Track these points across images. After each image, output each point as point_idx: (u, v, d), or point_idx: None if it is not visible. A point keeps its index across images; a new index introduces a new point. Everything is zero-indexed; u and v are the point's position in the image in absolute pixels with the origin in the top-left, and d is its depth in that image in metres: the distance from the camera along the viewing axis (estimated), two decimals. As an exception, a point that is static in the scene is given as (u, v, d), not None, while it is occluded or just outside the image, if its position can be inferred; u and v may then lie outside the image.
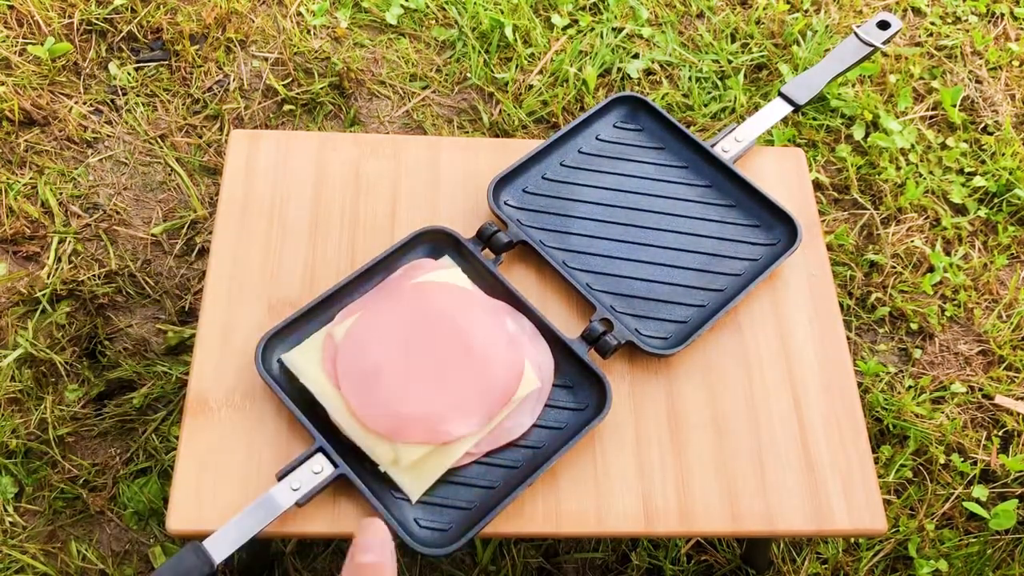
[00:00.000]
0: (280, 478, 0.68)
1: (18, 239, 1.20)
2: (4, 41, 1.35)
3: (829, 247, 1.28)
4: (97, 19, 1.39)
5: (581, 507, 0.72)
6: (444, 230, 0.82)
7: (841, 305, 1.04)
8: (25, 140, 1.28)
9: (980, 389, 1.20)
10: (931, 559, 1.07)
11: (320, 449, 0.70)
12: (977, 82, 1.48)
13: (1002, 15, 1.58)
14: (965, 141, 1.42)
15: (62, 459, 1.05)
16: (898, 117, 1.42)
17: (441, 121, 1.37)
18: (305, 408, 0.72)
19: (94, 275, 1.18)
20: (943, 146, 1.41)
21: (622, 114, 0.93)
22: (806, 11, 1.53)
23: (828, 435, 0.78)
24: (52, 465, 1.05)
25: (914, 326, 1.25)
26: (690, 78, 1.42)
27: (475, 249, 0.81)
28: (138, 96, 1.34)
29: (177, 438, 0.80)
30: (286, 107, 1.35)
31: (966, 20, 1.56)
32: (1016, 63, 1.52)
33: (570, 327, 0.80)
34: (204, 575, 0.63)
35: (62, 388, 1.10)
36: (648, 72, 1.44)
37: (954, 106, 1.43)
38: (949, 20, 1.57)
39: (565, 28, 1.46)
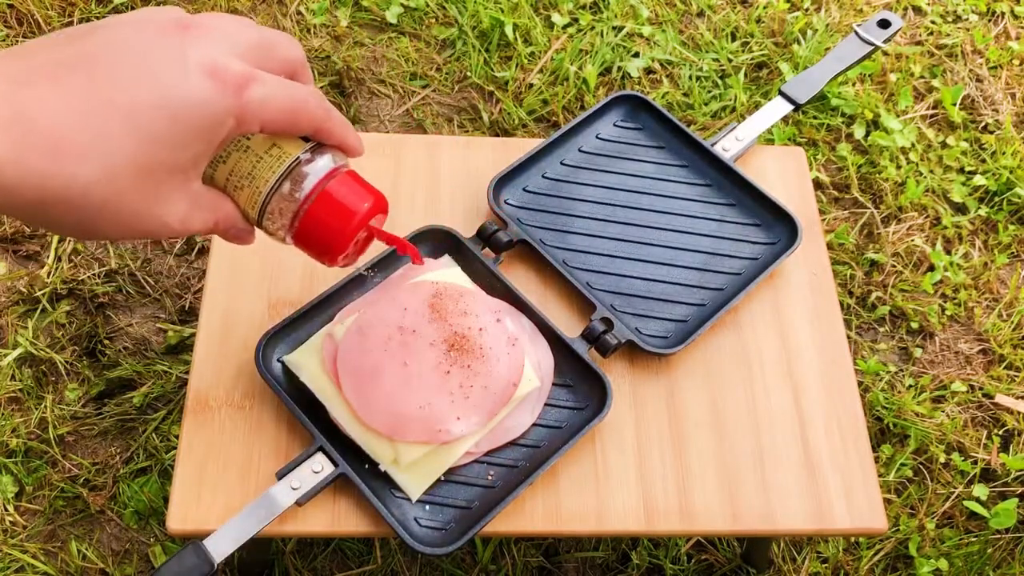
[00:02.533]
0: (280, 477, 0.68)
1: (18, 238, 1.20)
2: (4, 40, 1.35)
3: (829, 246, 1.28)
4: (97, 18, 1.39)
5: (581, 506, 0.72)
6: (444, 229, 0.82)
7: (841, 304, 1.04)
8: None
9: (980, 388, 1.20)
10: (931, 558, 1.07)
11: (320, 448, 0.70)
12: (978, 81, 1.48)
13: (1002, 14, 1.58)
14: (965, 140, 1.42)
15: (62, 458, 1.05)
16: (898, 116, 1.42)
17: (441, 120, 1.37)
18: (305, 407, 0.72)
19: (94, 274, 1.18)
20: (943, 145, 1.41)
21: (622, 113, 0.93)
22: (806, 10, 1.53)
23: (828, 434, 0.78)
24: (52, 464, 1.05)
25: (914, 325, 1.25)
26: (690, 77, 1.42)
27: (475, 248, 0.81)
28: (138, 95, 1.34)
29: (177, 437, 0.80)
30: (286, 106, 1.35)
31: (967, 19, 1.56)
32: (1016, 62, 1.52)
33: (570, 326, 0.80)
34: (204, 574, 0.63)
35: (62, 387, 1.10)
36: (648, 71, 1.44)
37: (954, 105, 1.43)
38: (950, 19, 1.57)
39: (565, 27, 1.46)
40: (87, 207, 0.38)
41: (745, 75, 1.43)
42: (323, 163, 0.47)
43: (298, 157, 0.46)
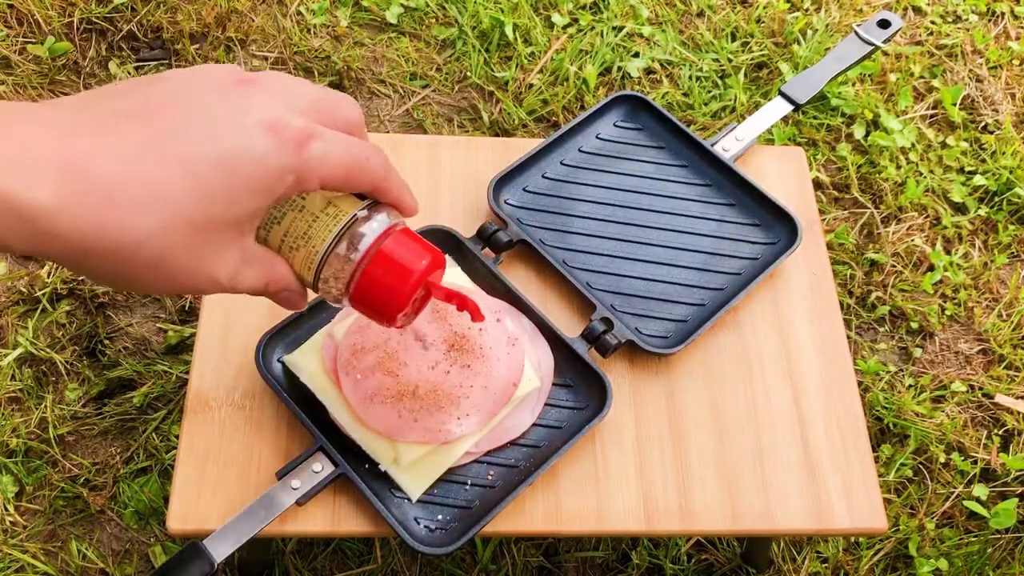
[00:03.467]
0: (280, 477, 0.68)
1: (18, 238, 1.20)
2: (4, 40, 1.35)
3: (829, 246, 1.28)
4: (97, 18, 1.39)
5: (581, 506, 0.72)
6: (444, 229, 0.82)
7: (841, 304, 1.04)
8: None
9: (980, 388, 1.20)
10: (931, 558, 1.07)
11: (320, 448, 0.70)
12: (977, 81, 1.48)
13: (1002, 14, 1.58)
14: (965, 140, 1.42)
15: (62, 458, 1.05)
16: (898, 116, 1.42)
17: (441, 120, 1.37)
18: (305, 407, 0.72)
19: (94, 274, 1.18)
20: (943, 145, 1.41)
21: (622, 113, 0.93)
22: (806, 10, 1.53)
23: (828, 434, 0.78)
24: (52, 464, 1.05)
25: (914, 325, 1.25)
26: (690, 77, 1.42)
27: (475, 248, 0.81)
28: (138, 95, 1.34)
29: (177, 437, 0.80)
30: (286, 106, 1.34)
31: (966, 19, 1.56)
32: (1016, 62, 1.52)
33: (570, 326, 0.80)
34: (204, 574, 0.63)
35: (62, 387, 1.10)
36: (648, 71, 1.44)
37: (954, 105, 1.43)
38: (949, 19, 1.57)
39: (565, 27, 1.46)
40: (136, 260, 0.37)
41: (745, 75, 1.43)
42: (379, 221, 0.46)
43: (354, 215, 0.45)
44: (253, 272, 0.43)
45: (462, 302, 0.54)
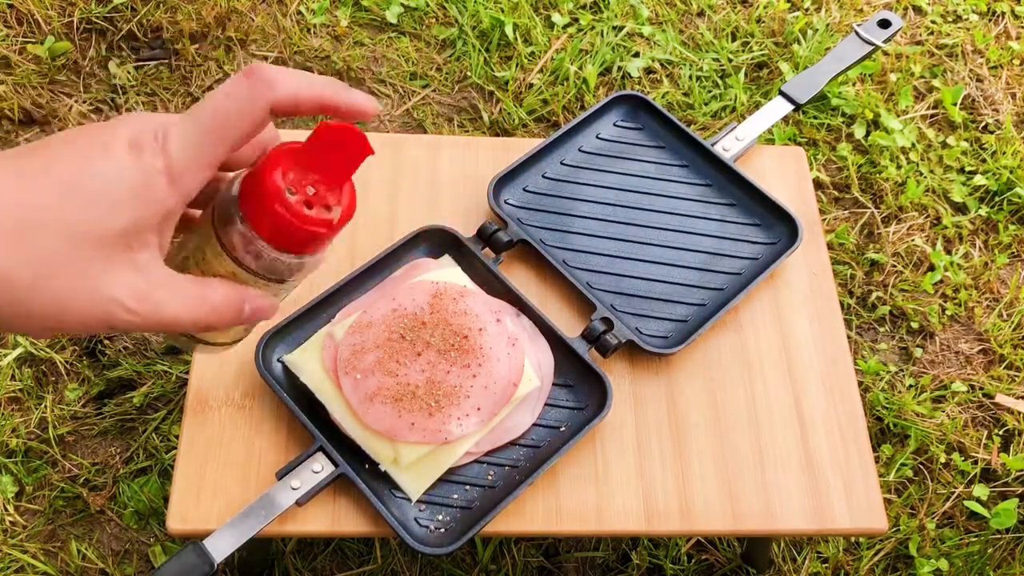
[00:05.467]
0: (280, 477, 0.68)
1: (18, 238, 1.20)
2: (4, 40, 1.35)
3: (830, 246, 1.28)
4: (97, 18, 1.39)
5: (581, 506, 0.72)
6: (444, 229, 0.82)
7: (841, 304, 1.04)
8: (25, 139, 1.28)
9: (981, 388, 1.20)
10: (932, 558, 1.07)
11: (320, 448, 0.70)
12: (978, 81, 1.48)
13: (1003, 14, 1.58)
14: (966, 140, 1.42)
15: (62, 458, 1.05)
16: (899, 116, 1.42)
17: (441, 120, 1.37)
18: (305, 407, 0.72)
19: (94, 274, 1.18)
20: (944, 145, 1.41)
21: (622, 113, 0.93)
22: (807, 10, 1.53)
23: (828, 434, 0.78)
24: (52, 464, 1.05)
25: (915, 325, 1.25)
26: (691, 77, 1.42)
27: (475, 248, 0.81)
28: (138, 95, 1.34)
29: (177, 437, 0.80)
30: (286, 106, 1.34)
31: (967, 19, 1.56)
32: (1017, 62, 1.52)
33: (570, 326, 0.80)
34: (204, 574, 0.63)
35: (62, 387, 1.10)
36: (648, 71, 1.44)
37: (955, 105, 1.43)
38: (950, 19, 1.57)
39: (565, 27, 1.46)
40: (16, 285, 0.36)
41: (745, 75, 1.43)
42: (233, 183, 0.44)
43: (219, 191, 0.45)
44: (172, 295, 0.41)
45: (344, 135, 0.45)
